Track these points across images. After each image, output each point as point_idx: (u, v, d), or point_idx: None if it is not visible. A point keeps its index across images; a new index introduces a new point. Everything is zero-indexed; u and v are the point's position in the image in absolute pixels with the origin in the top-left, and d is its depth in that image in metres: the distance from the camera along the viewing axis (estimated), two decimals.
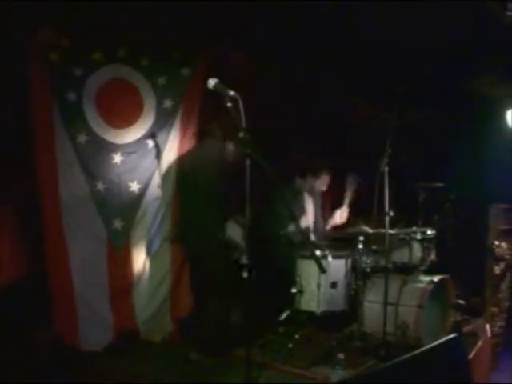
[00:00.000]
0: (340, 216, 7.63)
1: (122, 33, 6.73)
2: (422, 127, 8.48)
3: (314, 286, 6.53)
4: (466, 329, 6.93)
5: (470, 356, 5.12)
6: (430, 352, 3.45)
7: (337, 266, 6.70)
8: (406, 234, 6.95)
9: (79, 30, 6.56)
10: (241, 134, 4.52)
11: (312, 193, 7.67)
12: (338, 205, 7.70)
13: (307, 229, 7.42)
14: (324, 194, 7.90)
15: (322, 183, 7.61)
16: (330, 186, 7.72)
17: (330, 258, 6.63)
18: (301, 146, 8.13)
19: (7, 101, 6.27)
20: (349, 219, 7.58)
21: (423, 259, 6.95)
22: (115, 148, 6.80)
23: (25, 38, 6.33)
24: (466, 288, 7.25)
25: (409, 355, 3.29)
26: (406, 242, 6.96)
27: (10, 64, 6.20)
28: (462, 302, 6.80)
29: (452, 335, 3.64)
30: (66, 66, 6.64)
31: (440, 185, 7.72)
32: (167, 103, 7.06)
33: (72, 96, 6.66)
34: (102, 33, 6.67)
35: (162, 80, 7.04)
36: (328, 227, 7.72)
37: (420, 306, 6.26)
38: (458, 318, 6.84)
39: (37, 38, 6.43)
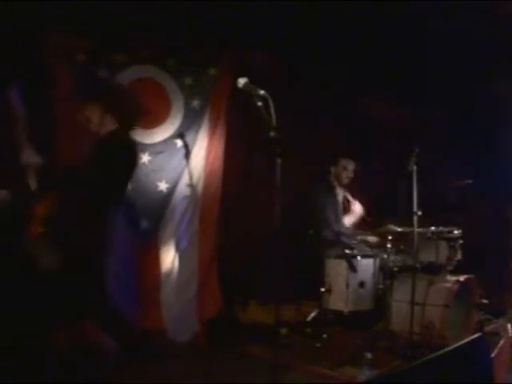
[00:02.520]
0: (356, 213, 7.64)
1: (145, 33, 6.72)
2: (448, 125, 8.46)
3: (342, 285, 6.53)
4: (488, 328, 6.92)
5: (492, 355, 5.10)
6: (456, 352, 3.44)
7: (365, 266, 6.71)
8: (433, 233, 6.93)
9: (102, 31, 6.55)
10: (272, 134, 4.49)
11: (340, 181, 7.64)
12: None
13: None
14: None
15: (342, 169, 7.61)
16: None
17: (359, 258, 6.64)
18: (326, 145, 8.11)
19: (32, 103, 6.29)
20: (376, 218, 7.55)
21: (450, 259, 6.91)
22: (143, 148, 6.75)
23: (48, 39, 6.34)
24: (489, 287, 7.21)
25: (434, 355, 3.27)
26: (433, 242, 6.93)
27: (35, 65, 6.24)
28: (485, 301, 6.79)
29: (477, 335, 3.63)
30: (91, 68, 6.62)
31: (467, 183, 7.67)
32: (195, 103, 7.06)
33: None
34: (126, 34, 6.67)
35: (188, 80, 7.04)
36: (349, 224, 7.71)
37: (446, 306, 6.24)
38: (481, 318, 6.83)
39: (60, 40, 6.43)
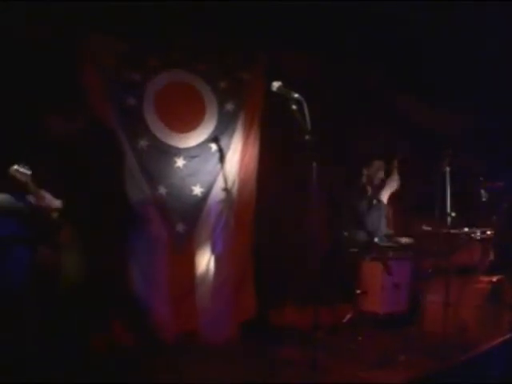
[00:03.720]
0: (391, 186, 7.61)
1: (178, 37, 6.77)
2: (483, 127, 8.41)
3: (377, 287, 6.54)
4: None
5: None
6: (489, 352, 3.45)
7: (400, 268, 6.71)
8: (466, 234, 6.91)
9: (134, 35, 6.59)
10: (306, 137, 4.51)
11: (372, 186, 7.63)
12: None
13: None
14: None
15: (376, 171, 7.59)
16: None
17: (393, 260, 6.64)
18: (361, 147, 8.10)
19: (64, 107, 6.35)
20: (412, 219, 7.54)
21: (482, 259, 6.89)
22: (178, 152, 6.83)
23: (79, 42, 6.39)
24: None
25: (468, 355, 3.28)
26: (466, 243, 6.91)
27: (65, 69, 6.27)
28: None
29: (510, 335, 3.63)
30: (123, 71, 6.67)
31: (499, 184, 7.63)
32: (229, 107, 7.10)
33: (131, 101, 6.68)
34: (158, 38, 6.70)
35: (222, 84, 7.09)
36: (385, 198, 7.70)
37: (479, 306, 6.25)
38: None
39: (91, 43, 6.48)
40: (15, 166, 5.28)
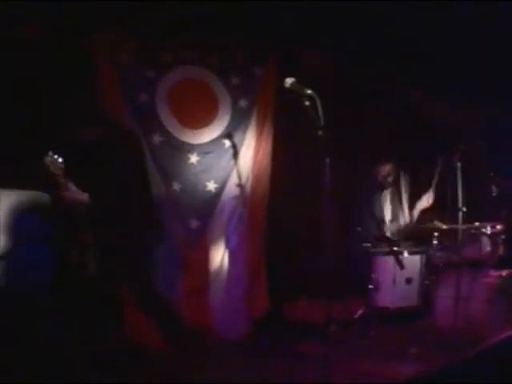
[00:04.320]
0: (427, 200, 7.59)
1: (191, 33, 6.81)
2: (494, 122, 8.41)
3: (389, 282, 6.57)
4: None
5: None
6: (500, 346, 3.46)
7: (412, 262, 6.72)
8: (477, 228, 6.93)
9: (147, 31, 6.65)
10: (319, 133, 4.52)
11: (385, 186, 7.66)
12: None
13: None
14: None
15: (383, 172, 7.63)
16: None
17: (406, 254, 6.67)
18: (376, 143, 8.12)
19: (77, 102, 6.39)
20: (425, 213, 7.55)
21: (492, 254, 6.90)
22: (191, 148, 6.89)
23: (91, 39, 6.47)
24: None
25: (478, 350, 3.30)
26: (477, 237, 6.93)
27: (78, 66, 6.33)
28: None
29: None
30: (136, 68, 6.72)
31: (509, 179, 7.63)
32: (242, 103, 7.15)
33: (144, 97, 6.74)
34: (171, 34, 6.75)
35: (235, 80, 7.12)
36: (416, 212, 7.66)
37: (489, 300, 6.26)
38: None
39: (103, 39, 6.55)
40: (49, 156, 5.33)
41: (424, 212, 7.55)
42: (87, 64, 6.43)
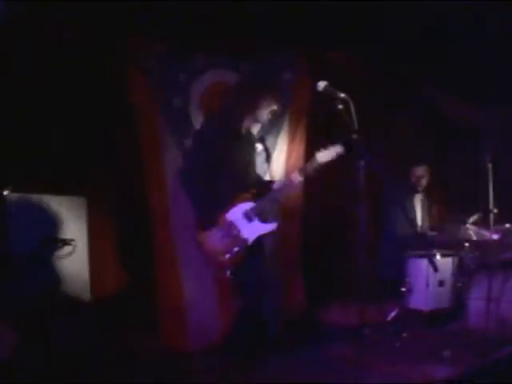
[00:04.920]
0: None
1: (221, 36, 6.77)
2: None
3: (422, 284, 6.58)
4: None
5: None
6: None
7: (445, 265, 6.73)
8: (510, 230, 6.91)
9: (176, 34, 6.66)
10: (354, 136, 4.53)
11: (417, 189, 7.66)
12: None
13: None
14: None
15: (417, 174, 7.63)
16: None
17: (438, 257, 6.67)
18: (404, 145, 8.11)
19: (110, 111, 6.48)
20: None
21: None
22: None
23: (117, 43, 6.49)
24: None
25: (508, 351, 3.31)
26: (509, 238, 6.91)
27: (108, 74, 6.42)
28: None
29: None
30: (167, 72, 6.73)
31: None
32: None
33: (177, 102, 6.76)
34: (202, 37, 6.73)
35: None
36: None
37: None
38: None
39: (130, 43, 6.57)
40: None
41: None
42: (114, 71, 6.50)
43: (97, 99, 6.38)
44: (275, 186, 5.65)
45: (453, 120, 8.51)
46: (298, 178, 5.55)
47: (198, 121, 6.77)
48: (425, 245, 6.84)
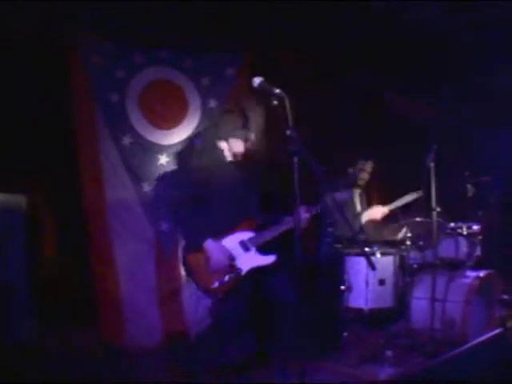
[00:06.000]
0: (381, 212, 7.54)
1: (163, 34, 6.75)
2: (469, 122, 8.44)
3: (362, 283, 6.52)
4: (510, 324, 6.87)
5: None
6: (477, 347, 3.44)
7: (385, 263, 6.66)
8: (453, 229, 6.91)
9: (120, 31, 6.61)
10: (288, 132, 4.47)
11: (357, 183, 7.63)
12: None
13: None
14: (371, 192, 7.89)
15: (360, 172, 7.59)
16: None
17: (378, 255, 6.63)
18: (344, 143, 8.10)
19: (49, 102, 6.35)
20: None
21: (469, 254, 6.89)
22: (161, 149, 6.81)
23: (65, 40, 6.43)
24: (510, 283, 7.18)
25: (456, 351, 3.27)
26: (453, 238, 6.91)
27: (50, 66, 6.34)
28: (506, 297, 6.78)
29: (498, 330, 3.62)
30: (108, 68, 6.69)
31: (486, 179, 7.62)
32: (212, 103, 7.06)
33: (115, 97, 6.71)
34: (144, 34, 6.71)
35: (205, 80, 7.05)
36: (363, 220, 7.63)
37: (467, 302, 6.24)
38: (503, 313, 6.81)
39: (77, 40, 6.51)
40: None
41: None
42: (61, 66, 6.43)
43: (36, 93, 6.28)
44: (280, 220, 5.61)
45: (399, 118, 8.55)
46: (306, 215, 5.59)
47: (134, 117, 6.76)
48: (364, 243, 6.80)
